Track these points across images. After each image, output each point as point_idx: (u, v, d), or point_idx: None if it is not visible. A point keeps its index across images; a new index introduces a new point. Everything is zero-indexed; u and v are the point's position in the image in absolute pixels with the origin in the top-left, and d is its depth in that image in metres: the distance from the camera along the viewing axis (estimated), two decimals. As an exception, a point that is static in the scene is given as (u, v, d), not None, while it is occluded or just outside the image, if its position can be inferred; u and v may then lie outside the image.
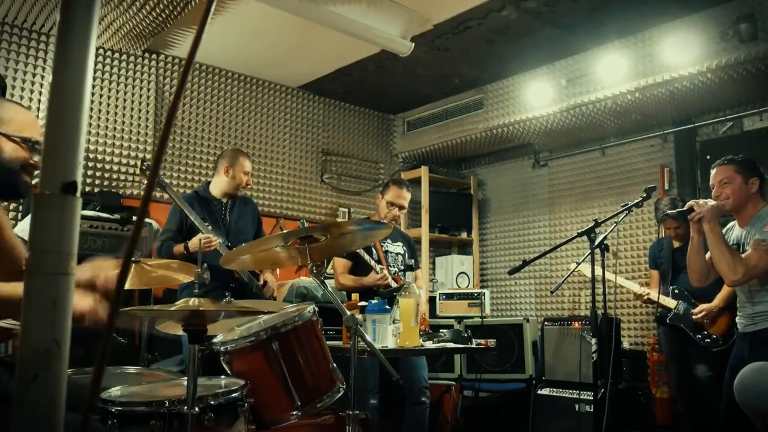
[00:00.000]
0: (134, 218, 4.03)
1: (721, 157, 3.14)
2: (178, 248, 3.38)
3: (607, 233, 3.19)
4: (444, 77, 5.29)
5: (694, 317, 3.77)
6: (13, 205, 4.05)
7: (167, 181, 4.64)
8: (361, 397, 2.72)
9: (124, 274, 0.81)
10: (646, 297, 4.00)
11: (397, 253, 3.89)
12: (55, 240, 0.77)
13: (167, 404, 1.82)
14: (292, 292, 4.43)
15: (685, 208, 3.00)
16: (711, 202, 2.91)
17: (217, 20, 4.14)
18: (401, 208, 3.80)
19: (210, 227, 3.38)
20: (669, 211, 3.61)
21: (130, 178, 4.48)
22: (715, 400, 3.53)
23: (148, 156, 4.55)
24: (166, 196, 3.36)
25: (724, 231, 3.04)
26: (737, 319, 3.06)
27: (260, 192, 5.16)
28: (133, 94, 4.59)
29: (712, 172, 3.07)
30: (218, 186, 3.64)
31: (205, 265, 2.07)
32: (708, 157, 4.60)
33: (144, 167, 3.34)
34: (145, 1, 3.68)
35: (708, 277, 3.06)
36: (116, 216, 3.96)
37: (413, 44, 4.36)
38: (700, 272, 3.05)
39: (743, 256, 2.83)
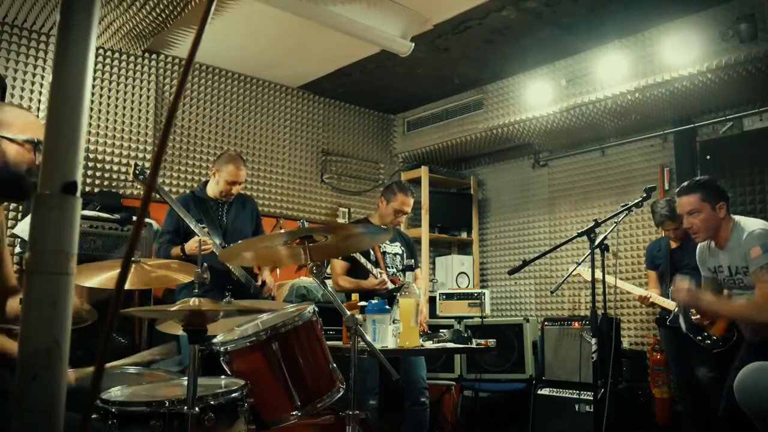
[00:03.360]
0: (134, 218, 4.03)
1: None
2: (175, 251, 3.38)
3: (607, 233, 3.19)
4: (444, 77, 5.29)
5: (693, 318, 3.77)
6: (12, 205, 4.05)
7: (167, 181, 4.67)
8: (361, 398, 2.72)
9: (124, 274, 0.81)
10: (649, 300, 4.00)
11: (395, 254, 3.89)
12: (55, 240, 0.77)
13: (167, 404, 1.82)
14: (292, 292, 4.43)
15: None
16: (681, 291, 2.94)
17: (217, 20, 4.14)
18: (406, 214, 3.84)
19: (206, 229, 3.37)
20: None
21: (130, 178, 4.48)
22: (716, 401, 3.53)
23: (148, 156, 4.55)
24: (164, 197, 3.35)
25: (704, 252, 3.12)
26: (743, 331, 3.07)
27: (260, 192, 5.16)
28: (133, 94, 4.59)
29: (678, 200, 3.08)
30: (211, 187, 3.64)
31: (206, 264, 2.07)
32: (708, 157, 4.60)
33: (137, 171, 3.28)
34: (145, 1, 3.68)
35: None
36: (116, 216, 3.96)
37: (413, 44, 4.36)
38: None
39: (757, 294, 2.83)
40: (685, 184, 3.07)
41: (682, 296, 2.93)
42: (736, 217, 3.00)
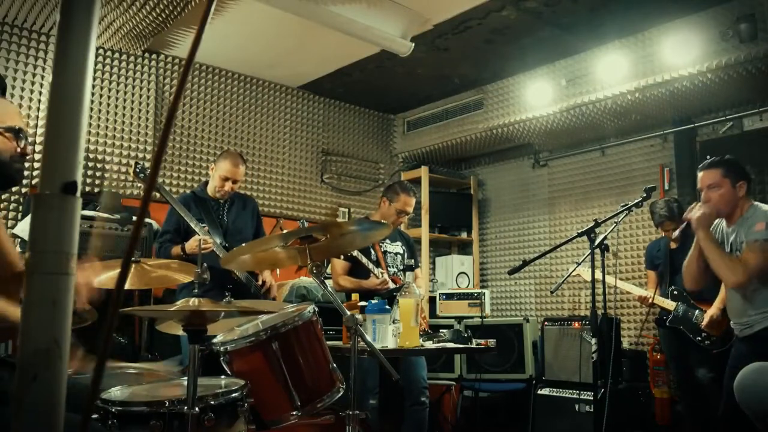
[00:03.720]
0: (134, 218, 4.03)
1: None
2: (176, 250, 3.37)
3: (607, 233, 3.19)
4: (444, 77, 5.29)
5: (702, 326, 3.76)
6: (12, 205, 4.05)
7: (167, 181, 4.67)
8: (361, 398, 2.72)
9: (124, 274, 0.81)
10: (649, 300, 3.99)
11: (396, 253, 3.89)
12: (55, 240, 0.77)
13: (167, 404, 1.82)
14: (292, 292, 4.43)
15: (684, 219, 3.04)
16: (700, 210, 2.91)
17: (217, 20, 4.14)
18: (408, 214, 3.86)
19: (207, 228, 3.36)
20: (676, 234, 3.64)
21: (130, 178, 4.48)
22: (716, 401, 3.53)
23: (148, 156, 4.55)
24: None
25: (711, 229, 3.05)
26: (732, 324, 3.07)
27: (260, 192, 5.16)
28: (133, 94, 4.59)
29: (699, 174, 3.03)
30: (211, 186, 3.64)
31: (205, 265, 2.07)
32: (708, 157, 4.59)
33: (137, 170, 3.29)
34: (145, 1, 3.68)
35: (701, 282, 3.11)
36: (116, 216, 3.96)
37: (413, 44, 4.36)
38: (694, 277, 3.08)
39: (740, 257, 2.83)
40: (708, 160, 3.02)
41: (695, 215, 2.90)
42: (756, 202, 2.95)
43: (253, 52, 4.77)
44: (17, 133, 1.77)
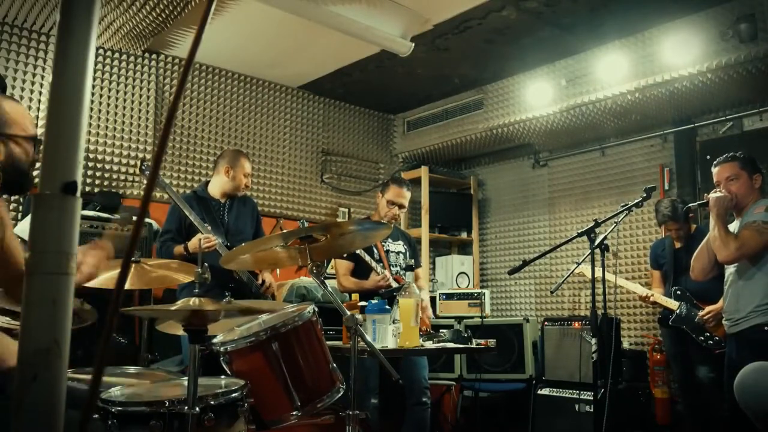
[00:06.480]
0: (134, 218, 4.03)
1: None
2: (178, 249, 3.37)
3: (607, 233, 3.20)
4: (444, 77, 5.29)
5: (703, 318, 3.76)
6: (13, 205, 4.05)
7: (167, 181, 4.67)
8: (361, 397, 2.72)
9: (124, 274, 0.81)
10: (651, 299, 3.99)
11: (398, 252, 3.88)
12: (55, 240, 0.77)
13: (167, 404, 1.82)
14: (292, 292, 4.43)
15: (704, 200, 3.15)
16: (719, 193, 3.02)
17: (217, 20, 4.14)
18: (401, 207, 3.77)
19: (209, 227, 3.37)
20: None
21: (130, 178, 4.48)
22: (716, 401, 3.53)
23: (148, 156, 4.55)
24: (165, 196, 3.36)
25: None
26: (723, 321, 3.09)
27: (260, 192, 5.16)
28: (133, 94, 4.59)
29: (715, 169, 3.14)
30: (217, 186, 3.63)
31: (206, 264, 2.07)
32: (708, 157, 4.60)
33: (143, 167, 3.33)
34: (145, 1, 3.68)
35: (709, 272, 3.17)
36: (116, 216, 3.97)
37: (413, 44, 4.36)
38: (703, 266, 3.17)
39: (739, 234, 2.94)
40: (723, 156, 3.16)
41: (714, 195, 3.03)
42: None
43: (253, 52, 4.76)
44: (36, 142, 1.80)
